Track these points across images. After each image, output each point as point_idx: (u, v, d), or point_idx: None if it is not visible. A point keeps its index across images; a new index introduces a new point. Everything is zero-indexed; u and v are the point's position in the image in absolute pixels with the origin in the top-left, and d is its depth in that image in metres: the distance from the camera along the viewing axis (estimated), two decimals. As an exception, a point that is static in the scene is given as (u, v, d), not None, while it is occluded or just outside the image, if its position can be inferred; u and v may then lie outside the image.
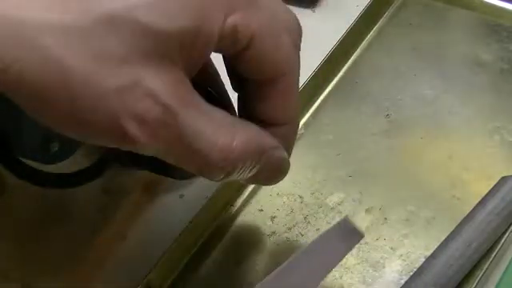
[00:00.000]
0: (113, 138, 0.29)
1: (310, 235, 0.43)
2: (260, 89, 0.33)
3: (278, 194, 0.45)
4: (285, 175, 0.35)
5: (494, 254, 0.40)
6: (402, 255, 0.41)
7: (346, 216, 0.35)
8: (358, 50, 0.53)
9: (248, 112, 0.34)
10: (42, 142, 0.39)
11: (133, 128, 0.28)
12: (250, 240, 0.43)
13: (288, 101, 0.34)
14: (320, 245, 0.35)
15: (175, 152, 0.30)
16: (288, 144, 0.35)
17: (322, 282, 0.40)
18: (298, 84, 0.34)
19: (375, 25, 0.54)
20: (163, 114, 0.28)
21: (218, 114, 0.31)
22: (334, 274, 0.41)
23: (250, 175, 0.33)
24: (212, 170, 0.31)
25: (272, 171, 0.34)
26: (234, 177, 0.32)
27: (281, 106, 0.34)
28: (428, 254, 0.40)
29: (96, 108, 0.28)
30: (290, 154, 0.36)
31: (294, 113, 0.35)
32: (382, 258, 0.41)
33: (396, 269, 0.41)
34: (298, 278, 0.35)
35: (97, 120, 0.28)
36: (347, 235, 0.35)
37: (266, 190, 0.44)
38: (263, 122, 0.34)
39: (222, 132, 0.30)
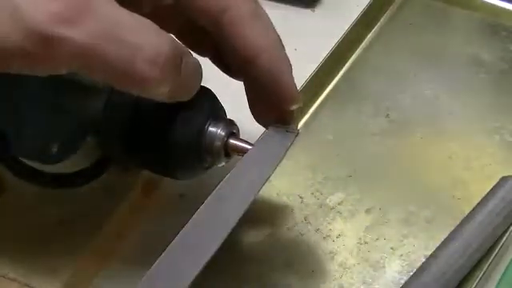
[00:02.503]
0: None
1: (310, 235, 0.43)
2: (219, 32, 0.35)
3: (277, 193, 0.45)
4: (199, 83, 0.35)
5: (494, 254, 0.40)
6: (402, 255, 0.41)
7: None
8: (358, 50, 0.53)
9: (228, 60, 0.36)
10: (41, 142, 0.39)
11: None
12: (249, 240, 0.43)
13: (248, 27, 0.35)
14: (255, 154, 0.36)
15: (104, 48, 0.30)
16: (281, 69, 0.36)
17: (322, 280, 0.40)
18: (255, 10, 0.36)
19: (375, 25, 0.54)
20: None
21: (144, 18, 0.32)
22: (334, 274, 0.41)
23: (173, 84, 0.32)
24: (143, 71, 0.31)
25: (190, 76, 0.34)
26: (162, 85, 0.32)
27: (242, 34, 0.35)
28: (428, 254, 0.40)
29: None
30: (290, 81, 0.36)
31: (264, 38, 0.36)
32: (381, 258, 0.41)
33: (396, 269, 0.41)
34: (240, 188, 0.34)
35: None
36: (281, 138, 0.36)
37: (266, 190, 0.44)
38: (246, 60, 0.35)
39: (152, 29, 0.31)
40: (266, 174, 0.35)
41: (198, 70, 0.34)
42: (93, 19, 0.30)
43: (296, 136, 0.37)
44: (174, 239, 0.33)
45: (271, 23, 0.37)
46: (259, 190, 0.35)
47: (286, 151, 0.36)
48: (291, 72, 0.37)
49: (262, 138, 0.37)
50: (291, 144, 0.36)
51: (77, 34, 0.30)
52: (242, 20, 0.35)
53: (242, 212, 0.33)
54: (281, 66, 0.36)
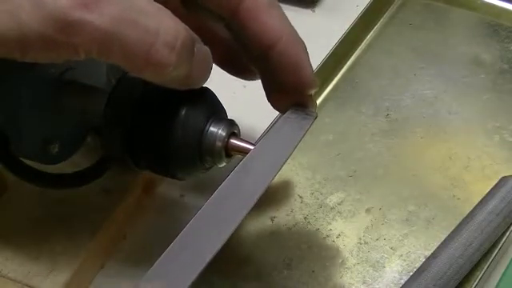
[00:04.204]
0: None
1: (310, 235, 0.43)
2: (236, 20, 0.36)
3: (277, 193, 0.44)
4: (210, 71, 0.36)
5: (494, 254, 0.40)
6: (402, 255, 0.41)
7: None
8: (358, 50, 0.53)
9: (246, 50, 0.37)
10: (42, 142, 0.39)
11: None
12: (250, 240, 0.43)
13: (265, 14, 0.36)
14: (274, 136, 0.36)
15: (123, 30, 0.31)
16: (299, 53, 0.36)
17: (322, 280, 0.40)
18: (271, 1, 0.36)
19: (375, 25, 0.54)
20: None
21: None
22: (334, 274, 0.41)
23: (187, 68, 0.33)
24: (162, 55, 0.31)
25: (202, 62, 0.34)
26: (178, 70, 0.32)
27: (260, 20, 0.36)
28: (428, 254, 0.40)
29: None
30: (308, 66, 0.37)
31: (282, 24, 0.36)
32: (381, 257, 0.41)
33: (396, 269, 0.41)
34: (259, 169, 0.35)
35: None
36: (300, 120, 0.37)
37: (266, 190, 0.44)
38: (265, 46, 0.36)
39: (168, 15, 0.32)
40: (285, 155, 0.36)
41: (209, 57, 0.35)
42: (113, 4, 0.30)
43: (315, 119, 0.37)
44: (196, 214, 0.33)
45: (285, 14, 0.37)
46: (278, 171, 0.35)
47: (304, 133, 0.37)
48: (308, 57, 0.37)
49: (282, 119, 0.38)
50: (310, 126, 0.37)
51: (97, 18, 0.30)
52: (260, 8, 0.36)
53: (263, 189, 0.34)
54: (299, 51, 0.37)
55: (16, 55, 0.31)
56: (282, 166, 0.35)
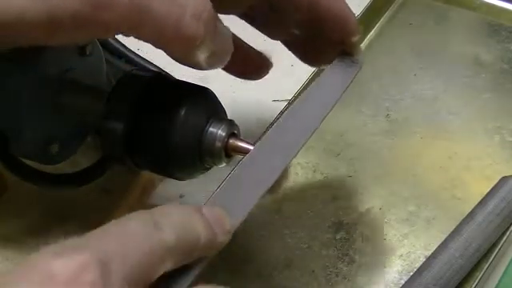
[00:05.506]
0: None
1: (310, 235, 0.42)
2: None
3: (278, 193, 0.44)
4: (232, 49, 0.36)
5: (494, 254, 0.40)
6: (402, 255, 0.41)
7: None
8: (358, 50, 0.53)
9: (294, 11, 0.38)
10: (42, 142, 0.39)
11: None
12: (250, 240, 0.43)
13: None
14: (322, 81, 0.38)
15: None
16: (341, 4, 0.38)
17: (322, 280, 0.40)
18: None
19: (375, 25, 0.54)
20: None
21: None
22: (335, 274, 0.41)
23: (212, 45, 0.33)
24: (191, 26, 0.31)
25: (225, 39, 0.35)
26: (205, 44, 0.32)
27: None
28: (428, 253, 0.40)
29: None
30: (351, 14, 0.38)
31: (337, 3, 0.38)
32: (382, 257, 0.41)
33: (396, 269, 0.41)
34: (307, 113, 0.36)
35: None
36: (347, 67, 0.38)
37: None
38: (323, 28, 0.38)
39: None
40: (334, 98, 0.37)
41: (229, 34, 0.35)
42: None
43: (361, 66, 0.39)
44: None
45: None
46: (329, 112, 0.37)
47: (353, 78, 0.38)
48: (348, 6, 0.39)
49: (329, 68, 0.39)
50: (358, 72, 0.38)
51: None
52: None
53: (314, 128, 0.36)
54: (341, 2, 0.38)
55: (40, 39, 0.31)
56: (331, 109, 0.37)
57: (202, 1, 0.32)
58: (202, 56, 0.33)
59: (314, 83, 0.38)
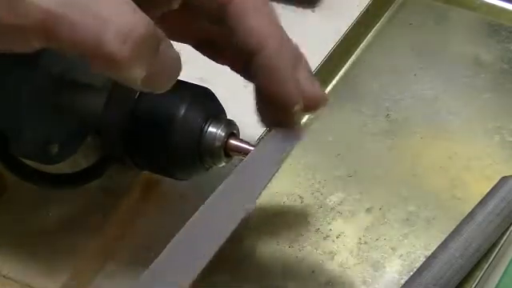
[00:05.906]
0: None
1: (310, 235, 0.43)
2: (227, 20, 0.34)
3: (277, 193, 0.45)
4: (177, 76, 0.32)
5: (494, 254, 0.40)
6: (402, 255, 0.41)
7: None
8: (358, 50, 0.53)
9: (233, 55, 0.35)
10: (42, 142, 0.39)
11: None
12: (250, 240, 0.43)
13: (249, 17, 0.34)
14: (256, 157, 0.35)
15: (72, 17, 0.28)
16: (280, 66, 0.34)
17: (322, 280, 0.40)
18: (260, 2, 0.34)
19: (375, 25, 0.54)
20: None
21: None
22: (334, 274, 0.41)
23: (148, 68, 0.30)
24: (112, 46, 0.29)
25: (168, 65, 0.31)
26: (135, 67, 0.29)
27: (243, 27, 0.34)
28: (428, 253, 0.40)
29: None
30: (289, 80, 0.34)
31: (265, 30, 0.34)
32: (382, 257, 0.41)
33: (396, 269, 0.41)
34: (241, 190, 0.34)
35: None
36: (283, 140, 0.35)
37: (266, 190, 0.44)
38: (248, 55, 0.34)
39: (128, 5, 0.29)
40: (266, 177, 0.34)
41: (177, 61, 0.32)
42: None
43: (298, 140, 0.35)
44: (175, 236, 0.33)
45: (276, 16, 0.35)
46: (261, 192, 0.34)
47: (286, 155, 0.35)
48: (298, 67, 0.35)
49: (264, 139, 0.37)
50: (292, 148, 0.35)
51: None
52: (247, 10, 0.34)
53: (244, 213, 0.33)
54: (281, 63, 0.34)
55: None
56: (263, 189, 0.34)
57: (132, 22, 0.29)
58: (133, 78, 0.30)
59: (246, 158, 0.36)
